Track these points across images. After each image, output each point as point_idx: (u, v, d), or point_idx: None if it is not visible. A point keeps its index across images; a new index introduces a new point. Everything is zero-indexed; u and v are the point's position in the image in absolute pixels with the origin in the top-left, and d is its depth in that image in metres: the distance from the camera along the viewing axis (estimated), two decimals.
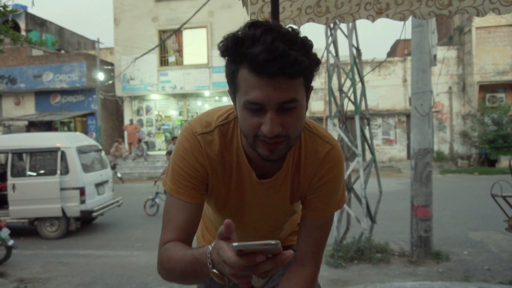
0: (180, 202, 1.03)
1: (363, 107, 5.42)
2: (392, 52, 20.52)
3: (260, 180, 1.08)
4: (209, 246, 0.79)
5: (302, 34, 0.89)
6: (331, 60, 5.39)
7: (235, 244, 0.67)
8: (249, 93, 0.86)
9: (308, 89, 0.95)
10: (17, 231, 6.74)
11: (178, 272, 0.94)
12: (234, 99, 0.95)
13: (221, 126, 1.06)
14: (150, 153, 17.08)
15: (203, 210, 1.29)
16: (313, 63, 0.90)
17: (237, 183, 1.09)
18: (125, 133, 17.66)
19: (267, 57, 0.81)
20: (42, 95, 18.34)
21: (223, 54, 0.90)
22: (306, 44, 0.87)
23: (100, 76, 17.11)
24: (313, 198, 1.10)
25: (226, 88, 0.97)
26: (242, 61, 0.86)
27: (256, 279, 0.70)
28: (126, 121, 17.76)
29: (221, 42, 0.89)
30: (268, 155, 0.92)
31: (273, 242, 0.66)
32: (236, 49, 0.85)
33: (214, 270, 0.76)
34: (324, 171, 1.07)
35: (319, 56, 0.92)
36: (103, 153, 8.08)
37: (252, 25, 0.85)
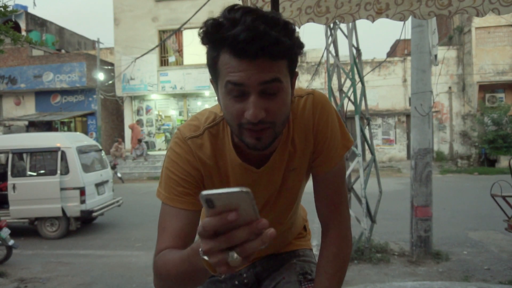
0: (175, 210, 0.98)
1: (363, 107, 5.43)
2: (392, 52, 20.53)
3: (259, 170, 1.04)
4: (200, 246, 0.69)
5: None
6: (331, 60, 5.40)
7: (204, 192, 0.61)
8: (230, 75, 0.83)
9: (293, 74, 0.92)
10: (17, 231, 6.74)
11: (174, 274, 0.85)
12: (216, 88, 0.92)
13: (210, 128, 1.03)
14: (150, 153, 17.08)
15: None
16: (296, 45, 0.87)
17: (237, 183, 1.05)
18: (125, 133, 17.67)
19: (247, 36, 0.78)
20: (42, 95, 18.35)
21: (203, 40, 0.86)
22: (288, 26, 0.84)
23: (100, 76, 17.11)
24: (318, 151, 1.07)
25: None
26: (222, 44, 0.83)
27: (232, 256, 0.63)
28: (126, 121, 17.77)
29: (200, 28, 0.86)
30: (255, 143, 0.89)
31: (244, 189, 0.60)
32: (216, 33, 0.83)
33: (205, 257, 0.67)
34: (317, 118, 1.04)
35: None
36: (103, 153, 8.08)
37: (231, 9, 0.83)
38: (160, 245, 0.95)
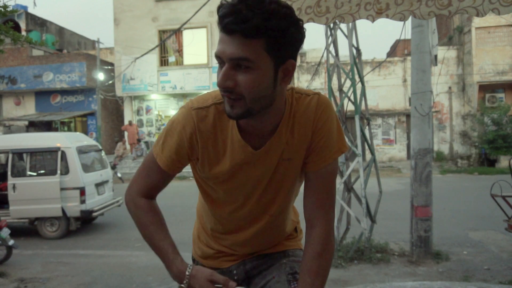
0: (161, 168, 1.14)
1: (363, 107, 5.43)
2: (392, 52, 20.52)
3: (256, 151, 1.10)
4: (188, 267, 1.02)
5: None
6: (331, 60, 5.39)
7: None
8: (217, 47, 0.96)
9: (278, 58, 0.95)
10: (17, 231, 6.74)
11: (143, 235, 1.17)
12: None
13: (218, 104, 1.09)
14: None
15: (201, 207, 1.32)
16: (279, 27, 0.90)
17: (232, 160, 1.11)
18: (125, 133, 17.67)
19: (224, 12, 0.90)
20: (42, 95, 18.35)
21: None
22: (275, 11, 0.90)
23: (100, 76, 17.11)
24: (313, 148, 1.12)
25: None
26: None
27: None
28: (126, 121, 17.76)
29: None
30: (229, 111, 0.99)
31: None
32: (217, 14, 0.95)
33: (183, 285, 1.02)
34: (318, 116, 1.10)
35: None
36: (103, 153, 8.08)
37: None
38: (136, 187, 1.19)
